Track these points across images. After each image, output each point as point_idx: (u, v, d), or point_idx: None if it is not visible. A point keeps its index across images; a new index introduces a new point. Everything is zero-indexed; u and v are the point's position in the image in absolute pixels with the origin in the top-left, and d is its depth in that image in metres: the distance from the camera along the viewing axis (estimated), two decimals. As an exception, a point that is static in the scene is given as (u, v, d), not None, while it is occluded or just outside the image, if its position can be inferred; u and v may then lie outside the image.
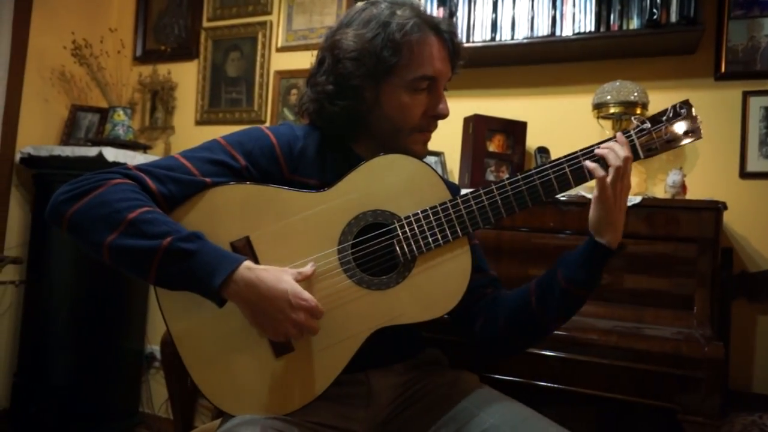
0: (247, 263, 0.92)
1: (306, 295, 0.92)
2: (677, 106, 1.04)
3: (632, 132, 1.04)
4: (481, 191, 1.04)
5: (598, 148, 1.02)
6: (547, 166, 1.03)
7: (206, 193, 1.00)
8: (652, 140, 1.03)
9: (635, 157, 1.03)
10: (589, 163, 1.01)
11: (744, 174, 1.82)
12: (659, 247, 1.53)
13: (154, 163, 1.01)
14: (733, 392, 1.70)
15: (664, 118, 1.04)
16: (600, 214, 1.00)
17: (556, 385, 1.37)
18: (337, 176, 1.05)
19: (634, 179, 1.95)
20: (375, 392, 1.08)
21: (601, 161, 1.01)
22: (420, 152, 1.12)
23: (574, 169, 1.02)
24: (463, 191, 1.08)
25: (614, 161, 0.98)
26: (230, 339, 0.99)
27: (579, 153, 1.03)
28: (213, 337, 0.99)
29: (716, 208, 1.50)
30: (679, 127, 1.03)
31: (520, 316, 1.07)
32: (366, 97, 1.07)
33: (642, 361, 1.29)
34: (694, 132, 1.03)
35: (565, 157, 1.03)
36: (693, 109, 1.04)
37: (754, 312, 1.78)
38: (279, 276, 0.92)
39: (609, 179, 0.98)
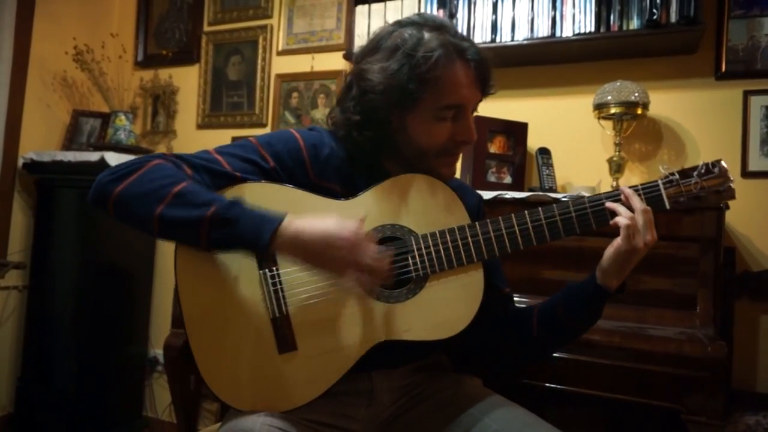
0: (289, 216, 0.94)
1: (348, 224, 0.92)
2: (710, 163, 1.01)
3: (660, 182, 1.02)
4: (500, 219, 1.04)
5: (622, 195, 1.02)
6: (570, 203, 1.03)
7: (235, 188, 1.03)
8: (680, 193, 1.01)
9: (661, 207, 1.01)
10: (613, 205, 1.00)
11: (746, 173, 1.82)
12: (661, 247, 1.52)
13: (188, 154, 1.05)
14: (737, 392, 1.69)
15: (695, 173, 1.02)
16: (616, 264, 1.00)
17: (559, 386, 1.37)
18: (363, 186, 1.06)
19: (636, 179, 1.95)
20: (377, 392, 1.08)
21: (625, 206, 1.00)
22: (446, 174, 1.11)
23: (595, 210, 1.02)
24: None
25: (639, 206, 0.98)
26: (239, 329, 1.00)
27: (603, 195, 1.03)
28: (222, 325, 1.01)
29: (718, 208, 1.49)
30: (711, 184, 1.01)
31: (522, 344, 1.13)
32: (393, 124, 1.07)
33: (645, 362, 1.29)
34: (725, 192, 1.01)
35: (588, 197, 1.03)
36: (727, 169, 1.01)
37: (757, 311, 1.77)
38: (321, 217, 0.94)
39: (640, 224, 0.97)
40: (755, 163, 1.81)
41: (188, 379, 1.74)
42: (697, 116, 1.89)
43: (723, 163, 1.02)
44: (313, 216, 0.95)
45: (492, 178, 1.95)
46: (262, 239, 0.92)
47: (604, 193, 1.04)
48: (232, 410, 1.02)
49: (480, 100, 1.11)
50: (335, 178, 1.08)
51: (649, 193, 1.02)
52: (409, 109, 1.05)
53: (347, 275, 0.92)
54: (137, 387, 2.67)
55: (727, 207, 1.54)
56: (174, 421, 2.51)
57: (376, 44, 1.08)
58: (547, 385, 1.38)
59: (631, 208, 0.99)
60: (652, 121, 1.93)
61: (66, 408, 2.34)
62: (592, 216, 1.02)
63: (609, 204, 1.01)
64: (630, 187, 1.02)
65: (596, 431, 1.76)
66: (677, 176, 1.02)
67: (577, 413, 1.68)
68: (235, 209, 0.94)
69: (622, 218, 0.98)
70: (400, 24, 1.09)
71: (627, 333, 1.36)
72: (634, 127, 1.91)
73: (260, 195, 1.02)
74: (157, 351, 2.66)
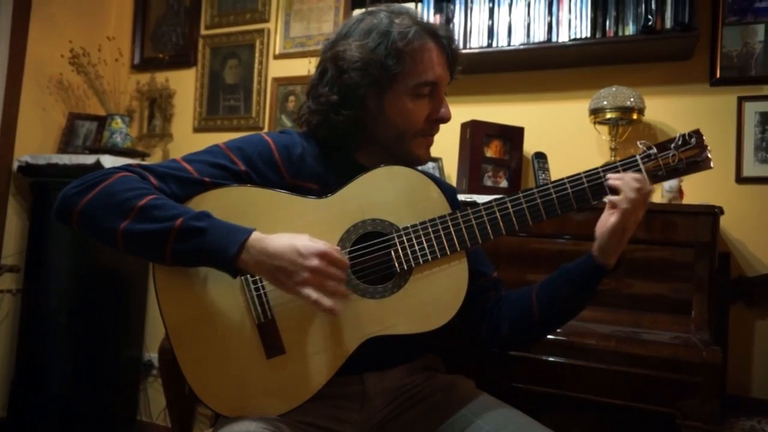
0: (257, 232, 0.93)
1: (314, 243, 0.91)
2: (687, 134, 1.02)
3: (638, 157, 1.03)
4: (482, 207, 1.04)
5: (607, 175, 1.01)
6: (549, 185, 1.04)
7: (210, 193, 1.02)
8: (659, 167, 1.02)
9: None
10: (612, 182, 1.00)
11: (740, 179, 1.82)
12: (657, 252, 1.54)
13: (155, 164, 1.04)
14: (732, 397, 1.70)
15: (672, 145, 1.02)
16: (612, 242, 1.00)
17: (554, 391, 1.37)
18: (339, 183, 1.06)
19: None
20: (369, 395, 1.08)
21: (613, 190, 1.00)
22: (423, 156, 1.14)
23: (576, 190, 1.02)
24: (462, 197, 1.08)
25: (633, 187, 0.98)
26: (224, 337, 0.99)
27: (583, 175, 1.03)
28: (207, 334, 0.99)
29: (713, 213, 1.50)
30: (688, 155, 1.02)
31: (524, 325, 1.12)
32: (369, 105, 1.09)
33: (640, 366, 1.29)
34: (703, 162, 1.02)
35: (568, 177, 1.04)
36: (704, 139, 1.02)
37: (752, 316, 1.78)
38: (289, 235, 0.93)
39: (629, 206, 0.97)
40: (749, 169, 1.81)
41: (183, 384, 1.73)
42: (691, 122, 1.90)
43: (700, 132, 1.03)
44: (283, 232, 0.94)
45: (488, 183, 1.96)
46: (229, 251, 0.90)
47: (583, 172, 1.03)
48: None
49: (449, 82, 1.15)
50: (311, 177, 1.09)
51: (627, 168, 1.02)
52: (387, 87, 1.07)
53: (308, 295, 0.90)
54: (132, 391, 2.65)
55: (722, 212, 1.55)
56: (169, 425, 2.49)
57: (347, 30, 1.10)
58: (542, 389, 1.37)
59: (616, 190, 0.99)
60: (647, 126, 1.94)
61: (60, 412, 2.33)
62: (573, 195, 1.02)
63: (609, 182, 1.00)
64: (609, 165, 1.03)
65: (592, 436, 1.75)
66: (655, 150, 1.03)
67: (571, 418, 1.68)
68: (203, 220, 0.93)
69: (621, 198, 0.98)
70: (369, 12, 1.12)
71: (622, 337, 1.36)
72: (629, 132, 1.92)
73: (234, 199, 1.02)
74: (152, 355, 2.65)
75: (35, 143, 2.62)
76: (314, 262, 0.89)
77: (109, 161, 2.33)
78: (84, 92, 2.81)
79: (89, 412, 2.41)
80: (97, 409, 2.44)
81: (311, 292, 0.89)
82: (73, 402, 2.34)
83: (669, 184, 1.72)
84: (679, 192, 1.72)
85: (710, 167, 1.03)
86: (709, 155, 1.02)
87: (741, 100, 1.83)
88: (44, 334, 2.38)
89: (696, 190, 1.81)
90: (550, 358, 1.37)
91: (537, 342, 1.33)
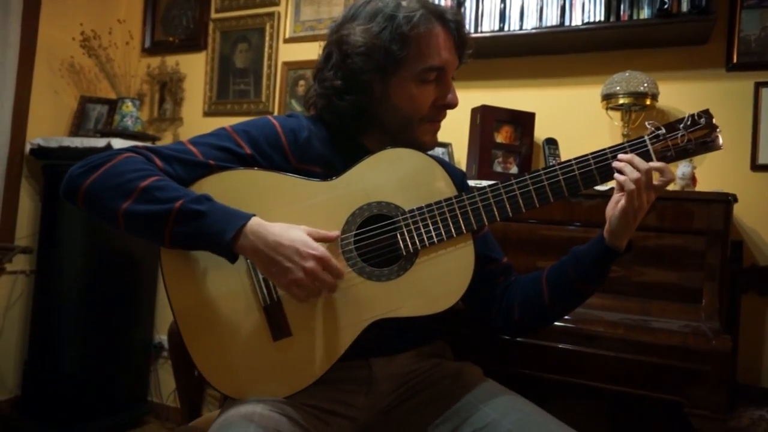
0: (257, 218, 0.93)
1: (315, 244, 0.93)
2: (696, 114, 1.01)
3: (646, 137, 1.01)
4: (488, 189, 1.03)
5: (616, 156, 1.00)
6: (556, 167, 1.02)
7: (215, 176, 1.02)
8: (667, 147, 1.00)
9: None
10: (616, 163, 0.99)
11: (755, 166, 1.79)
12: (668, 239, 1.52)
13: (161, 146, 1.04)
14: (742, 386, 1.68)
15: (681, 125, 1.00)
16: (623, 223, 0.99)
17: (561, 378, 1.37)
18: (344, 167, 1.05)
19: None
20: (376, 380, 1.08)
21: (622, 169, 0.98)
22: (430, 142, 1.13)
23: (583, 171, 1.01)
24: (471, 182, 1.07)
25: (636, 167, 0.97)
26: (231, 320, 1.00)
27: (590, 157, 1.02)
28: (214, 317, 1.00)
29: (726, 201, 1.48)
30: (697, 136, 1.00)
31: (535, 309, 1.12)
32: (375, 91, 1.08)
33: (648, 354, 1.28)
34: (712, 142, 1.00)
35: (575, 159, 1.02)
36: (713, 119, 1.00)
37: (764, 305, 1.76)
38: (288, 227, 0.94)
39: (642, 186, 0.96)
40: (765, 156, 1.78)
41: (192, 366, 1.75)
42: (706, 108, 1.87)
43: (710, 112, 1.01)
44: (287, 216, 0.95)
45: (498, 168, 1.94)
46: (226, 236, 0.91)
47: (590, 153, 1.02)
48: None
49: (458, 66, 1.12)
50: (316, 160, 1.08)
51: (635, 150, 1.00)
52: (391, 73, 1.05)
53: (296, 294, 0.92)
54: (142, 372, 2.69)
55: (736, 200, 1.52)
56: (178, 406, 2.52)
57: (353, 13, 1.09)
58: (550, 376, 1.37)
59: (621, 171, 0.98)
60: (660, 112, 1.91)
61: (71, 392, 2.37)
62: (580, 178, 1.01)
63: (614, 164, 0.99)
64: (617, 146, 1.01)
65: (599, 424, 1.75)
66: (663, 131, 1.01)
67: (579, 406, 1.68)
68: (203, 204, 0.93)
69: (626, 179, 0.96)
70: None
71: (631, 325, 1.35)
72: (642, 118, 1.89)
73: (238, 182, 1.02)
74: (162, 337, 2.68)
75: (47, 126, 2.63)
76: (310, 264, 0.90)
77: (119, 144, 2.34)
78: (95, 75, 2.81)
79: (100, 393, 2.44)
80: (108, 390, 2.48)
81: (300, 293, 0.92)
82: (84, 381, 2.38)
83: (682, 170, 1.69)
84: (692, 179, 1.69)
85: (720, 148, 1.01)
86: (719, 135, 1.00)
87: (758, 86, 1.80)
88: (57, 315, 2.41)
89: (709, 177, 1.79)
90: (558, 345, 1.37)
91: (548, 326, 1.32)
